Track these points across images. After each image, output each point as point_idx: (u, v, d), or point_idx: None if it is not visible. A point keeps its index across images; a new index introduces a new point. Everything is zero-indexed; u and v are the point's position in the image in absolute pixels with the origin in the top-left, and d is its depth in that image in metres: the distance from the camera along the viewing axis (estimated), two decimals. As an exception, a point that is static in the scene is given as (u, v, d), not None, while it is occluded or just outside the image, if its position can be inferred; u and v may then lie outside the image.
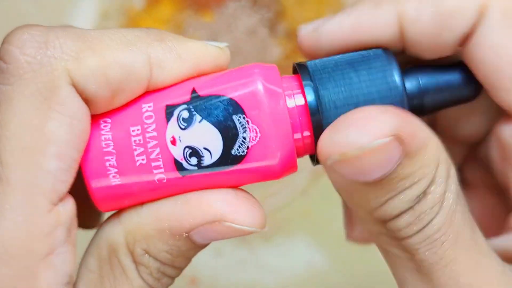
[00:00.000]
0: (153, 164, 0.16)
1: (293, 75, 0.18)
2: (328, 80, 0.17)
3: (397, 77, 0.17)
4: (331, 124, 0.16)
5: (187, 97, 0.17)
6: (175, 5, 0.49)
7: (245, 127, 0.16)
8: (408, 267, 0.18)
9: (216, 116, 0.16)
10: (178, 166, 0.16)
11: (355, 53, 0.18)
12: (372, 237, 0.19)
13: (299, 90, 0.17)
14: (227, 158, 0.16)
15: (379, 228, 0.18)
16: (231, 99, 0.16)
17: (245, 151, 0.16)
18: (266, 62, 0.50)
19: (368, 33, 0.20)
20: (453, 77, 0.19)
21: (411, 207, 0.16)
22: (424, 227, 0.17)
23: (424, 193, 0.16)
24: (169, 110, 0.16)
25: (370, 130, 0.15)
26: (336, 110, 0.17)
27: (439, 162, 0.16)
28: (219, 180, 0.17)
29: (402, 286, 0.19)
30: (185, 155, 0.16)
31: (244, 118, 0.16)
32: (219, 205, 0.17)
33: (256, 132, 0.16)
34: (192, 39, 0.18)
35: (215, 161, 0.16)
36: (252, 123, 0.16)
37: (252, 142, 0.16)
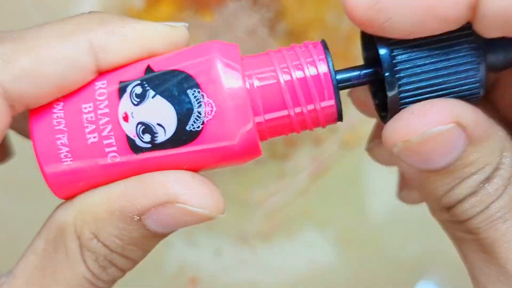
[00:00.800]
0: (105, 142, 0.16)
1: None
2: None
3: (482, 78, 0.17)
4: (396, 115, 0.17)
5: (141, 74, 0.16)
6: (175, 5, 0.49)
7: (200, 102, 0.16)
8: (473, 249, 0.18)
9: (170, 90, 0.16)
10: (131, 143, 0.16)
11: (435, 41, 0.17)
12: (442, 225, 0.20)
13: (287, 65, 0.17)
14: (182, 134, 0.16)
15: (447, 215, 0.18)
16: (185, 73, 0.16)
17: (200, 126, 0.16)
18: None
19: (439, 7, 0.16)
20: None
21: (474, 192, 0.17)
22: (485, 208, 0.17)
23: (488, 179, 0.17)
24: (122, 86, 0.16)
25: (431, 118, 0.16)
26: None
27: (504, 150, 0.17)
28: (175, 160, 0.16)
29: (470, 269, 0.19)
30: (138, 132, 0.16)
31: (199, 92, 0.16)
32: (172, 185, 0.16)
33: (212, 107, 0.16)
34: (140, 20, 0.18)
35: (169, 138, 0.16)
36: (207, 97, 0.16)
37: (207, 116, 0.16)
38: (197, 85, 0.16)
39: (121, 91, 0.16)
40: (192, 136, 0.16)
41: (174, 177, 0.16)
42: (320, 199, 0.48)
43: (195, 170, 0.17)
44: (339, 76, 0.17)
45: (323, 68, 0.16)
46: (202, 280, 0.49)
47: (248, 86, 0.16)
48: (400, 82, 0.17)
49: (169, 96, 0.15)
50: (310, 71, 0.16)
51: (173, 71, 0.16)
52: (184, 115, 0.15)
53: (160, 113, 0.15)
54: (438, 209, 0.19)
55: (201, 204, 0.17)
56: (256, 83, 0.16)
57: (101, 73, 0.17)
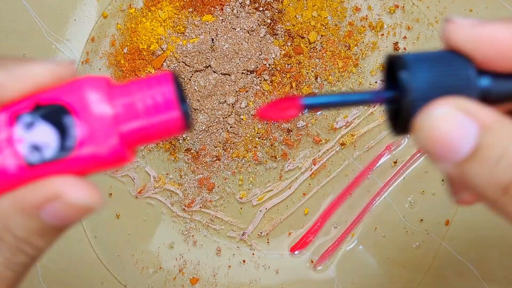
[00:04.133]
0: (5, 160, 0.21)
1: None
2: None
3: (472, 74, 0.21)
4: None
5: (31, 106, 0.22)
6: (175, 4, 0.49)
7: (74, 124, 0.21)
8: None
9: (53, 117, 0.21)
10: (26, 159, 0.21)
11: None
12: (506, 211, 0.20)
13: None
14: (63, 150, 0.21)
15: (506, 197, 0.19)
16: (62, 104, 0.22)
17: (76, 143, 0.21)
18: (266, 60, 0.50)
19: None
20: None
21: None
22: None
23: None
24: (16, 116, 0.22)
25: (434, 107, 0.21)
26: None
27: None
28: (61, 169, 0.22)
29: None
30: (29, 150, 0.21)
31: (73, 117, 0.21)
32: (57, 183, 0.21)
33: (84, 127, 0.21)
34: (35, 59, 0.22)
35: (54, 153, 0.21)
36: (80, 121, 0.21)
37: (81, 135, 0.21)
38: (71, 112, 0.22)
39: (14, 120, 0.22)
40: (70, 151, 0.21)
41: (60, 179, 0.21)
42: (320, 199, 0.48)
43: (78, 175, 0.22)
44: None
45: (167, 93, 0.23)
46: (202, 280, 0.49)
47: (112, 110, 0.22)
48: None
49: (52, 122, 0.22)
50: (158, 96, 0.22)
51: (54, 103, 0.22)
52: (64, 136, 0.21)
53: (46, 136, 0.22)
54: (494, 194, 0.20)
55: (81, 197, 0.21)
56: (119, 108, 0.22)
57: (3, 106, 0.21)
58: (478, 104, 0.20)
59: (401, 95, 0.21)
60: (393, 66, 0.22)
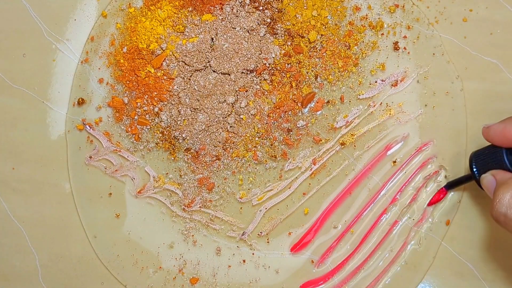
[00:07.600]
0: None
1: None
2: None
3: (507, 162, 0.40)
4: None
5: None
6: (174, 4, 0.49)
7: None
8: None
9: None
10: None
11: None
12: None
13: None
14: None
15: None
16: None
17: None
18: (266, 59, 0.50)
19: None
20: None
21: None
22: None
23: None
24: None
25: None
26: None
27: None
28: None
29: None
30: None
31: None
32: None
33: None
34: None
35: None
36: None
37: None
38: None
39: None
40: None
41: None
42: (320, 199, 0.48)
43: None
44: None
45: None
46: (202, 280, 0.48)
47: None
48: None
49: None
50: None
51: None
52: None
53: None
54: (502, 217, 0.37)
55: None
56: None
57: None
58: (503, 171, 0.40)
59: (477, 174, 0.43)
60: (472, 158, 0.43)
